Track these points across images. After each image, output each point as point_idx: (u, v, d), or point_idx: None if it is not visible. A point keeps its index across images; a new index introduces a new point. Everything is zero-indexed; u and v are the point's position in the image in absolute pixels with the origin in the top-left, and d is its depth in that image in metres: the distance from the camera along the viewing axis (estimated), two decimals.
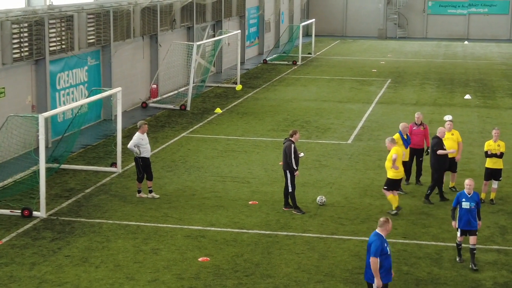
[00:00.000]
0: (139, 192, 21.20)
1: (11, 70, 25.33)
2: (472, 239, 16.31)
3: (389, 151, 19.91)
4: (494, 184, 20.73)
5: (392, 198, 19.89)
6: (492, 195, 20.77)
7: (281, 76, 44.53)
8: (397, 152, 19.69)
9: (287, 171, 19.80)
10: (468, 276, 15.87)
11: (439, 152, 20.67)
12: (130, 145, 21.05)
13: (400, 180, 20.01)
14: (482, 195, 20.76)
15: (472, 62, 52.64)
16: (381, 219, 13.22)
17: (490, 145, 20.62)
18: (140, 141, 21.01)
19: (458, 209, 16.41)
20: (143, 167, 21.04)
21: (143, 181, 21.18)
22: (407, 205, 20.59)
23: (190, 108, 34.11)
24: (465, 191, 16.37)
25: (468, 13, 69.09)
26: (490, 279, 15.72)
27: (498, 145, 20.57)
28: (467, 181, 16.43)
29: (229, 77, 43.84)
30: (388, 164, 19.84)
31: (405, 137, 21.50)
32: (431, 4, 69.69)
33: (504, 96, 38.61)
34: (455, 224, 16.55)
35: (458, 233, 16.54)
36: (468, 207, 16.28)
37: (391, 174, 19.81)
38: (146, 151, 21.15)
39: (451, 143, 21.58)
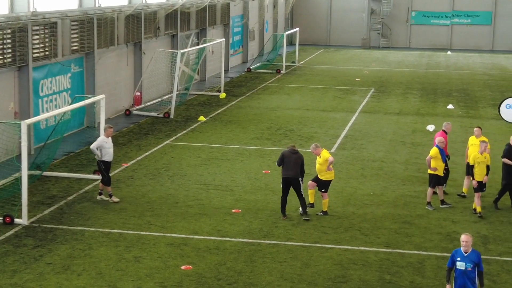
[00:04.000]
0: (100, 194, 21.36)
1: None
2: None
3: (317, 156, 20.50)
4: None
5: (327, 201, 20.61)
6: (474, 205, 20.88)
7: (265, 85, 44.58)
8: (330, 155, 20.58)
9: (300, 179, 20.19)
10: None
11: (505, 160, 21.21)
12: (92, 146, 21.30)
13: (331, 180, 20.77)
14: (475, 207, 20.67)
15: (455, 72, 52.94)
16: None
17: (478, 158, 20.58)
18: (104, 144, 21.23)
19: (454, 270, 13.67)
20: (106, 170, 21.19)
21: (108, 184, 21.32)
22: (390, 214, 20.66)
23: (173, 116, 34.08)
24: (462, 248, 13.55)
25: (451, 23, 69.52)
26: None
27: (485, 157, 20.58)
28: (462, 237, 13.56)
29: (213, 85, 43.84)
30: (322, 168, 20.42)
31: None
32: (414, 14, 70.06)
33: (486, 106, 38.83)
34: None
35: None
36: (463, 268, 13.42)
37: (326, 176, 20.52)
38: (108, 155, 21.32)
39: (476, 148, 21.86)
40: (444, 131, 22.80)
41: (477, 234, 19.19)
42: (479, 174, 20.62)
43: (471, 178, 21.03)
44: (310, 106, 37.78)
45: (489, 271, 16.78)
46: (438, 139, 21.61)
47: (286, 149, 20.43)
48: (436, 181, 21.31)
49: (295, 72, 50.99)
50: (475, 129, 22.90)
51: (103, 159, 21.19)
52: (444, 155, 21.41)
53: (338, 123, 33.39)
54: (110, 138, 21.50)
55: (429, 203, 21.36)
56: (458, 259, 13.48)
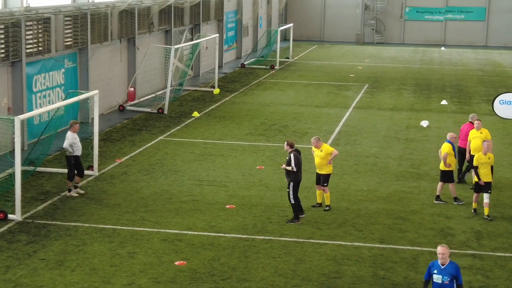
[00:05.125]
0: (69, 191, 21.43)
1: None
2: None
3: (317, 149, 20.30)
4: (486, 199, 20.07)
5: (329, 195, 20.58)
6: (486, 211, 20.09)
7: (259, 80, 44.56)
8: (334, 148, 20.66)
9: None
10: None
11: None
12: (65, 144, 21.39)
13: (331, 174, 20.74)
14: (474, 205, 20.38)
15: (449, 68, 52.99)
16: None
17: (481, 159, 20.07)
18: (74, 140, 21.41)
19: (432, 283, 12.92)
20: (75, 165, 21.34)
21: (71, 180, 21.46)
22: (384, 210, 20.68)
23: (167, 111, 34.04)
24: (438, 261, 12.81)
25: (445, 19, 69.56)
26: (466, 284, 15.77)
27: (489, 158, 20.13)
28: (439, 249, 12.79)
29: (206, 81, 43.79)
30: (323, 162, 20.29)
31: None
32: (408, 10, 70.09)
33: (480, 102, 38.88)
34: None
35: None
36: (440, 281, 12.66)
37: (327, 170, 20.40)
38: (78, 149, 21.53)
39: (478, 141, 22.13)
40: (471, 122, 22.96)
41: (471, 229, 19.23)
42: (485, 175, 20.02)
43: (478, 178, 20.14)
44: (304, 101, 37.78)
45: (482, 266, 16.84)
46: (450, 134, 21.56)
47: (287, 146, 19.66)
48: (452, 176, 21.26)
49: (289, 67, 50.97)
50: (476, 121, 22.87)
51: (74, 154, 21.38)
52: (455, 150, 21.43)
53: (332, 119, 33.40)
54: (76, 133, 21.65)
55: (456, 198, 21.32)
56: (435, 271, 12.71)
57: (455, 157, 21.44)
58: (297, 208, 19.54)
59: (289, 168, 19.28)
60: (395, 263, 16.96)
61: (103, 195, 21.55)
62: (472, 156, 22.22)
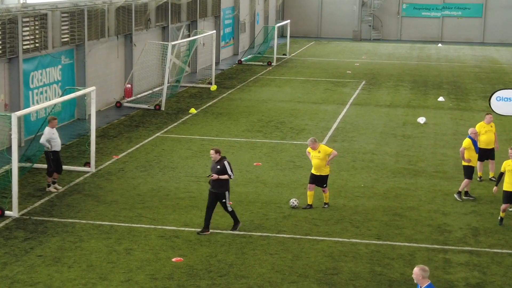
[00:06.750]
0: (49, 186, 21.48)
1: None
2: None
3: (314, 150, 20.08)
4: None
5: (328, 194, 20.57)
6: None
7: (256, 77, 44.55)
8: (332, 149, 20.50)
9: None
10: (440, 277, 15.96)
11: None
12: (42, 140, 21.45)
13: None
14: (502, 214, 19.39)
15: (446, 64, 53.00)
16: None
17: (509, 165, 19.16)
18: (51, 135, 21.46)
19: None
20: (54, 161, 21.42)
21: (51, 175, 21.52)
22: (381, 207, 20.70)
23: (164, 108, 34.03)
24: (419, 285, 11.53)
25: (442, 15, 69.57)
26: (462, 280, 15.83)
27: None
28: (415, 270, 11.41)
29: (204, 77, 43.77)
30: (322, 163, 20.11)
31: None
32: (406, 7, 70.08)
33: (477, 98, 38.91)
34: None
35: None
36: None
37: (326, 171, 20.30)
38: (57, 145, 21.61)
39: (490, 135, 22.50)
40: None
41: (468, 226, 19.26)
42: (508, 182, 19.10)
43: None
44: (301, 98, 37.78)
45: (479, 262, 16.86)
46: (471, 130, 21.59)
47: (215, 154, 18.15)
48: (471, 172, 21.19)
49: (286, 64, 50.96)
50: (487, 116, 23.05)
51: (52, 149, 21.45)
52: (477, 145, 21.41)
53: (329, 116, 33.41)
54: (55, 128, 21.70)
55: (459, 192, 21.29)
56: None
57: (476, 153, 21.39)
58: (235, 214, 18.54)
59: (224, 177, 18.01)
60: (392, 259, 16.98)
61: (100, 191, 21.54)
62: (481, 149, 22.24)
